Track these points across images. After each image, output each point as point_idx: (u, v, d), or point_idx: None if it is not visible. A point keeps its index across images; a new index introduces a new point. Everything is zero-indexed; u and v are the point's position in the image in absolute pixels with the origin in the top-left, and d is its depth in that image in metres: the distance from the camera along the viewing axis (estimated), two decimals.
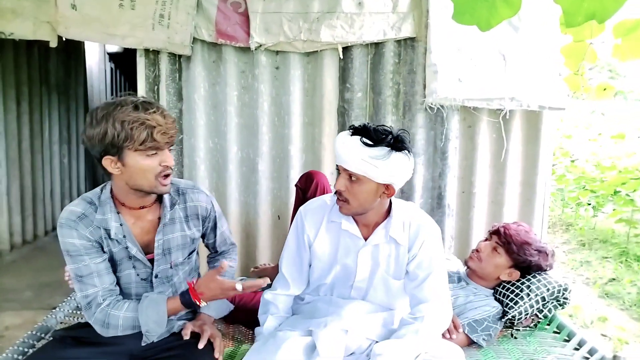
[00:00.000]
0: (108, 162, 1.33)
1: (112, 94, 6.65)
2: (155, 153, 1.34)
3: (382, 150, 1.38)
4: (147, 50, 2.54)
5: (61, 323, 1.86)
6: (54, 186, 4.90)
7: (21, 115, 4.23)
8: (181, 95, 2.62)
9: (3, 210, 4.01)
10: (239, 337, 1.88)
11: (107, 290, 1.44)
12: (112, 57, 6.81)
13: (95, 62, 6.27)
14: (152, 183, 1.37)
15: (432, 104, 2.57)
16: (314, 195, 2.04)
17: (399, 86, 2.65)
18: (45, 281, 3.34)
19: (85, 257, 1.41)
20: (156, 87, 2.60)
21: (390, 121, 2.65)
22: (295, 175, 2.60)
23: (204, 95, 2.60)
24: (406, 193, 2.75)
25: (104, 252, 1.46)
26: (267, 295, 1.66)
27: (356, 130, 1.42)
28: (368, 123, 1.44)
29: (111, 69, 6.91)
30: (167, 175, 1.39)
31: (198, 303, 1.41)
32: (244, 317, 1.92)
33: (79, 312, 1.96)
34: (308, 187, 2.17)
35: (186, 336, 1.50)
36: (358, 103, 2.64)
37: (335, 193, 1.50)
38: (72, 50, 5.21)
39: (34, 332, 1.69)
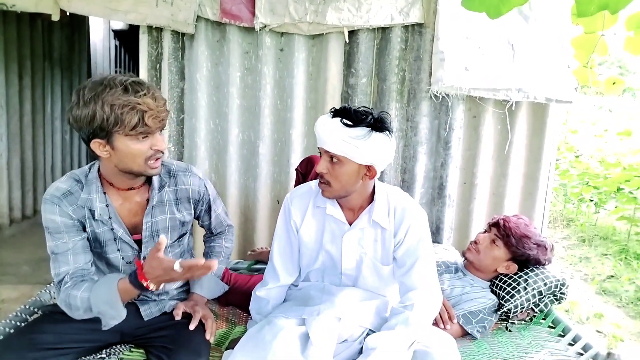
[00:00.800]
0: (96, 146, 1.30)
1: (116, 72, 6.61)
2: (146, 137, 1.31)
3: (362, 130, 1.38)
4: (150, 28, 2.50)
5: (54, 298, 1.85)
6: (55, 161, 4.89)
7: (23, 89, 4.20)
8: (183, 75, 2.59)
9: (3, 184, 4.00)
10: (233, 319, 1.88)
11: (78, 270, 1.41)
12: (117, 34, 6.75)
13: (100, 39, 6.21)
14: (142, 167, 1.34)
15: (437, 92, 2.53)
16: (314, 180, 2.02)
17: (405, 73, 2.61)
18: (43, 256, 3.32)
19: (65, 235, 1.39)
20: (158, 65, 2.57)
21: (394, 108, 2.62)
22: (296, 159, 2.58)
23: (206, 75, 2.57)
24: (407, 182, 2.73)
25: (85, 231, 1.44)
26: (260, 292, 1.64)
27: (337, 112, 1.42)
28: (348, 105, 1.43)
29: (116, 46, 6.85)
30: (157, 159, 1.36)
31: (145, 283, 1.30)
32: (238, 299, 1.91)
33: None
34: (308, 171, 2.15)
35: (177, 316, 1.49)
36: (362, 89, 2.61)
37: (318, 176, 1.48)
38: (77, 26, 5.16)
39: (27, 307, 1.69)
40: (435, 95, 2.56)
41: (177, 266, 1.26)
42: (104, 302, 1.33)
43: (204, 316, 1.51)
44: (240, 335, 1.62)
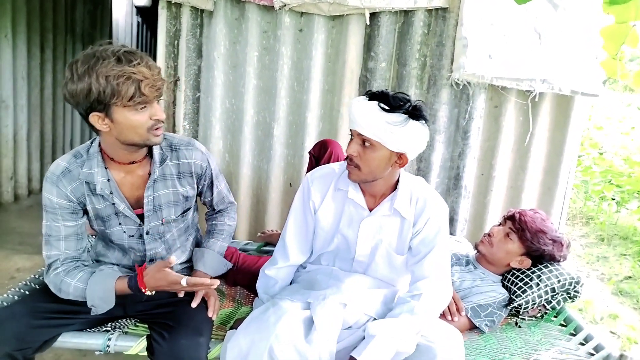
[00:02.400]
0: (95, 119, 1.28)
1: (138, 48, 6.64)
2: (145, 107, 1.29)
3: (399, 116, 1.35)
4: (169, 3, 2.48)
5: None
6: (74, 135, 4.95)
7: (45, 62, 4.24)
8: (201, 52, 2.57)
9: (23, 156, 4.06)
10: (240, 299, 1.88)
11: (69, 257, 1.42)
12: (140, 10, 6.75)
13: (122, 15, 6.23)
14: (144, 136, 1.32)
15: (458, 79, 2.46)
16: (327, 164, 1.99)
17: (426, 59, 2.55)
18: None
19: (59, 218, 1.40)
20: (176, 41, 2.55)
21: (413, 95, 2.56)
22: (310, 142, 2.55)
23: (223, 54, 2.54)
24: (423, 171, 2.68)
25: (84, 213, 1.45)
26: (269, 270, 1.63)
27: (374, 95, 1.38)
28: (386, 89, 1.39)
29: (138, 23, 6.87)
30: (158, 128, 1.34)
31: (143, 290, 1.36)
32: (246, 280, 1.90)
33: None
34: (322, 155, 2.12)
35: (180, 294, 1.49)
36: (381, 73, 2.55)
37: (346, 158, 1.45)
38: (99, 1, 5.17)
39: (35, 276, 1.71)
40: (456, 82, 2.49)
41: (184, 282, 1.31)
42: (99, 297, 1.37)
43: (207, 294, 1.51)
44: (245, 316, 1.61)
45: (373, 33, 2.50)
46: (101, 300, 1.37)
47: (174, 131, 2.62)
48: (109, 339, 1.44)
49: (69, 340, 1.42)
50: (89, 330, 1.48)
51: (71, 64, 1.24)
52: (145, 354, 1.40)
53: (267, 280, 1.63)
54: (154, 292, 1.37)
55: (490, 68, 2.41)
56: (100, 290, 1.37)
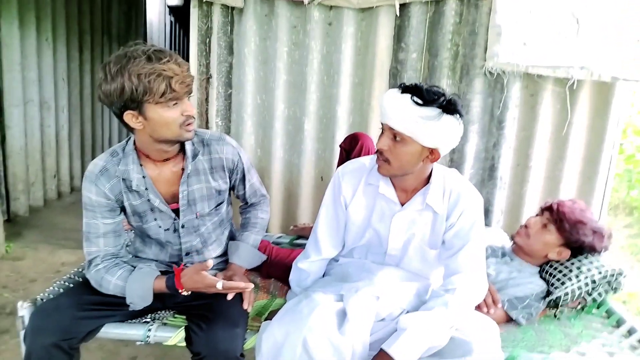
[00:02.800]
0: (129, 117, 1.32)
1: (171, 47, 6.76)
2: (176, 103, 1.33)
3: (433, 111, 1.31)
4: (200, 1, 2.53)
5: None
6: (112, 134, 5.12)
7: (83, 63, 4.39)
8: (232, 49, 2.60)
9: (64, 154, 4.23)
10: (274, 291, 1.90)
11: (108, 254, 1.48)
12: (172, 10, 6.88)
13: (156, 15, 6.36)
14: (177, 132, 1.36)
15: (492, 68, 2.41)
16: (357, 157, 1.98)
17: (458, 48, 2.50)
18: None
19: (98, 215, 1.45)
20: (208, 39, 2.59)
21: (445, 85, 2.52)
22: (341, 136, 2.55)
23: (254, 50, 2.57)
24: (456, 162, 2.64)
25: (121, 210, 1.50)
26: (302, 264, 1.64)
27: (407, 89, 1.34)
28: (420, 83, 1.36)
29: (171, 22, 7.00)
30: (190, 123, 1.37)
31: (180, 290, 1.41)
32: (279, 272, 1.93)
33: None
34: (352, 148, 2.11)
35: None
36: (412, 64, 2.52)
37: (377, 152, 1.44)
38: (134, 2, 5.31)
39: (79, 270, 1.78)
40: (490, 71, 2.44)
41: (219, 285, 1.36)
42: (137, 295, 1.43)
43: None
44: (279, 307, 1.63)
45: (403, 24, 2.47)
46: (140, 299, 1.43)
47: (207, 128, 2.67)
48: (149, 330, 1.49)
49: (111, 331, 1.48)
50: (130, 321, 1.53)
51: (104, 65, 1.29)
52: (184, 344, 1.44)
53: (299, 273, 1.65)
54: (189, 293, 1.42)
55: (525, 56, 2.35)
56: (139, 288, 1.43)
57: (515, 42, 2.35)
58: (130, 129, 1.38)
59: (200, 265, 1.38)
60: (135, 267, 1.48)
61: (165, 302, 1.54)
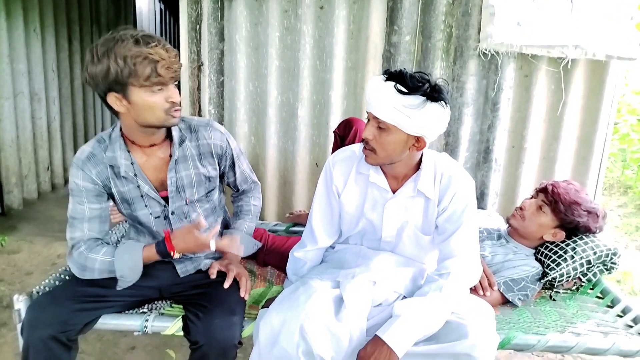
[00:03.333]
0: (113, 100, 1.31)
1: (161, 35, 6.69)
2: (161, 89, 1.31)
3: (417, 99, 1.29)
4: None
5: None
6: (105, 125, 5.08)
7: (73, 53, 4.33)
8: (223, 36, 2.57)
9: (57, 146, 4.19)
10: (271, 278, 1.90)
11: (92, 238, 1.46)
12: None
13: (145, 3, 6.28)
14: (161, 118, 1.35)
15: (486, 49, 2.39)
16: (352, 143, 1.97)
17: (451, 29, 2.48)
18: None
19: (84, 200, 1.44)
20: (198, 26, 2.56)
21: (439, 67, 2.50)
22: (335, 122, 2.54)
23: (245, 36, 2.53)
24: (451, 145, 2.63)
25: (109, 196, 1.49)
26: (298, 253, 1.64)
27: (391, 76, 1.32)
28: (404, 69, 1.33)
29: (160, 9, 6.91)
30: (176, 110, 1.36)
31: (172, 253, 1.40)
32: (276, 260, 1.93)
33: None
34: (347, 134, 2.10)
35: (212, 275, 1.51)
36: (405, 47, 2.50)
37: (362, 141, 1.43)
38: None
39: None
40: (483, 52, 2.42)
41: (212, 246, 1.37)
42: (128, 267, 1.41)
43: (238, 274, 1.53)
44: (276, 295, 1.63)
45: (396, 6, 2.44)
46: (130, 270, 1.41)
47: (199, 116, 2.64)
48: (147, 320, 1.49)
49: (109, 322, 1.48)
50: (127, 312, 1.53)
51: (92, 48, 1.28)
52: (181, 333, 1.45)
53: (296, 262, 1.65)
54: (180, 255, 1.43)
55: (520, 36, 2.33)
56: (128, 259, 1.41)
57: (509, 22, 2.33)
58: (115, 113, 1.37)
59: (193, 225, 1.39)
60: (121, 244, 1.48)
61: (162, 291, 1.54)
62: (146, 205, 1.50)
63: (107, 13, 4.93)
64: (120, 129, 1.44)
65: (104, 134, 1.47)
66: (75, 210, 1.45)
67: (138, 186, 1.46)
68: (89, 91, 4.60)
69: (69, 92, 4.31)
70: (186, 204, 1.53)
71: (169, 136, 1.48)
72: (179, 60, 1.33)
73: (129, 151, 1.44)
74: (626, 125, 6.36)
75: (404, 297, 1.45)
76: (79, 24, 4.38)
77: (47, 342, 1.31)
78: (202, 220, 1.37)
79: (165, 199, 1.51)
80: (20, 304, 1.43)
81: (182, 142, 1.48)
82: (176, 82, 1.36)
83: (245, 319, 1.49)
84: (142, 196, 1.48)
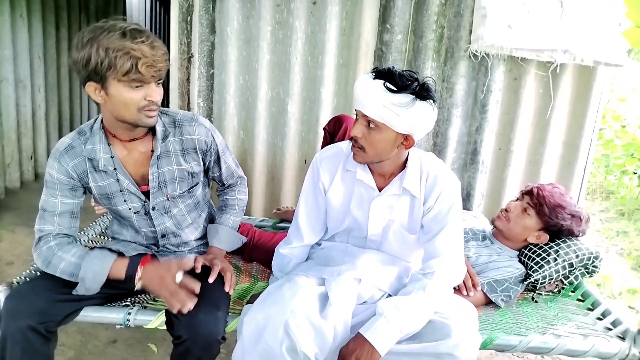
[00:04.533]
0: (92, 89, 1.29)
1: (151, 25, 6.60)
2: (141, 86, 1.28)
3: (406, 97, 1.29)
4: None
5: (86, 246, 1.91)
6: (91, 114, 5.00)
7: (60, 41, 4.26)
8: (214, 28, 2.54)
9: (42, 135, 4.12)
10: (256, 274, 1.90)
11: (62, 233, 1.43)
12: None
13: None
14: (135, 116, 1.32)
15: (477, 51, 2.41)
16: (342, 140, 1.97)
17: (443, 30, 2.49)
18: None
19: (57, 193, 1.41)
20: (189, 17, 2.53)
21: (429, 68, 2.51)
22: (325, 119, 2.53)
23: (236, 29, 2.51)
24: (439, 146, 2.65)
25: (85, 191, 1.47)
26: (284, 249, 1.63)
27: (380, 74, 1.32)
28: (393, 67, 1.34)
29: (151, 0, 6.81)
30: (152, 110, 1.33)
31: (136, 280, 1.37)
32: (262, 256, 1.92)
33: (102, 237, 2.01)
34: (337, 131, 2.09)
35: (197, 270, 1.50)
36: (397, 46, 2.50)
37: (351, 139, 1.42)
38: None
39: None
40: (474, 54, 2.43)
41: (178, 278, 1.32)
42: (92, 271, 1.36)
43: (223, 269, 1.52)
44: (261, 291, 1.62)
45: (388, 4, 2.44)
46: (93, 275, 1.36)
47: (188, 109, 2.62)
48: (129, 314, 1.48)
49: (90, 314, 1.46)
50: (109, 304, 1.52)
51: (79, 34, 1.26)
52: (164, 327, 1.43)
53: (281, 258, 1.64)
54: (140, 286, 1.38)
55: (510, 39, 2.35)
56: (97, 266, 1.36)
57: (500, 25, 2.34)
58: (97, 103, 1.35)
59: (177, 264, 1.35)
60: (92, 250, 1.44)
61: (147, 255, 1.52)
62: (125, 200, 1.48)
63: (96, 1, 4.85)
64: (102, 122, 1.41)
65: (86, 126, 1.44)
66: (47, 202, 1.42)
67: (117, 180, 1.44)
68: (75, 79, 4.53)
69: (55, 79, 4.23)
70: (167, 199, 1.51)
71: (151, 130, 1.45)
72: (167, 59, 1.30)
73: (109, 144, 1.41)
74: (610, 132, 6.46)
75: (389, 295, 1.46)
76: (67, 11, 4.30)
77: (25, 333, 1.28)
78: (190, 264, 1.36)
79: (146, 194, 1.49)
80: (0, 294, 1.40)
81: (165, 137, 1.46)
82: (160, 81, 1.33)
83: (230, 314, 1.48)
84: (121, 191, 1.46)
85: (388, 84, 1.29)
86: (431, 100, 1.33)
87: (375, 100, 1.30)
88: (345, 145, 1.57)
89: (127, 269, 1.38)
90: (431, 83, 1.34)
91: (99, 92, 1.29)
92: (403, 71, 1.32)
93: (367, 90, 1.32)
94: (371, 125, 1.35)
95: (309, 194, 1.60)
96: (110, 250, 1.45)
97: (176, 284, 1.33)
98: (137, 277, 1.37)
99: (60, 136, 4.37)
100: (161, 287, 1.33)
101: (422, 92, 1.30)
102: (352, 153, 1.44)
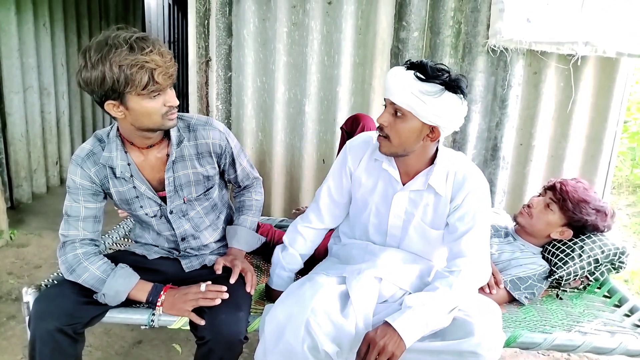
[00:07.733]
0: (110, 107, 1.29)
1: (169, 30, 6.69)
2: (159, 94, 1.30)
3: (434, 86, 1.30)
4: None
5: (110, 249, 1.95)
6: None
7: (82, 48, 4.34)
8: (231, 31, 2.56)
9: (66, 140, 4.22)
10: None
11: (87, 239, 1.47)
12: None
13: None
14: (159, 122, 1.34)
15: (495, 46, 2.38)
16: None
17: (460, 26, 2.46)
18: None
19: (80, 198, 1.44)
20: (206, 21, 2.55)
21: (447, 64, 2.46)
22: (342, 118, 2.53)
23: (253, 32, 2.53)
24: (458, 142, 2.62)
25: (106, 196, 1.50)
26: (300, 227, 1.66)
27: (412, 65, 1.34)
28: (426, 59, 1.35)
29: (169, 4, 6.91)
30: (173, 113, 1.35)
31: (156, 305, 1.43)
32: None
33: (126, 240, 2.05)
34: (354, 130, 2.09)
35: (218, 271, 1.52)
36: (414, 43, 2.48)
37: (377, 128, 1.43)
38: None
39: None
40: (492, 49, 2.40)
41: (202, 288, 1.40)
42: (115, 290, 1.41)
43: (244, 269, 1.53)
44: None
45: (404, 2, 2.43)
46: (115, 293, 1.41)
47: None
48: (153, 314, 1.50)
49: (115, 315, 1.49)
50: (134, 306, 1.54)
51: (84, 52, 1.24)
52: (188, 328, 1.45)
53: (295, 234, 1.67)
54: (161, 311, 1.44)
55: (529, 32, 2.31)
56: (121, 285, 1.41)
57: (519, 19, 2.31)
58: (113, 117, 1.36)
59: (198, 292, 1.41)
60: (115, 265, 1.47)
61: (168, 282, 1.54)
62: (141, 206, 1.50)
63: (115, 7, 4.94)
64: (118, 129, 1.43)
65: (103, 132, 1.47)
66: (71, 207, 1.45)
67: (134, 187, 1.46)
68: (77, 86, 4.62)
69: (78, 86, 4.32)
70: (184, 202, 1.53)
71: (166, 135, 1.47)
72: (174, 61, 1.31)
73: (126, 152, 1.44)
74: (636, 124, 6.29)
75: (410, 294, 1.45)
76: (88, 18, 4.39)
77: (53, 335, 1.32)
78: (214, 296, 1.40)
79: (164, 198, 1.51)
80: (29, 296, 1.44)
81: (180, 142, 1.47)
82: (173, 84, 1.35)
83: (251, 314, 1.50)
84: (138, 197, 1.49)
85: (418, 73, 1.31)
86: (461, 95, 1.33)
87: (404, 87, 1.31)
88: (374, 134, 1.57)
89: (149, 294, 1.44)
90: (463, 79, 1.34)
91: (117, 109, 1.30)
92: (436, 64, 1.33)
93: (397, 79, 1.33)
94: (398, 113, 1.36)
95: (335, 176, 1.63)
96: (135, 267, 1.49)
97: (201, 291, 1.39)
98: (158, 302, 1.43)
99: (83, 141, 4.46)
100: (185, 303, 1.40)
101: (452, 84, 1.31)
102: (378, 145, 1.44)
